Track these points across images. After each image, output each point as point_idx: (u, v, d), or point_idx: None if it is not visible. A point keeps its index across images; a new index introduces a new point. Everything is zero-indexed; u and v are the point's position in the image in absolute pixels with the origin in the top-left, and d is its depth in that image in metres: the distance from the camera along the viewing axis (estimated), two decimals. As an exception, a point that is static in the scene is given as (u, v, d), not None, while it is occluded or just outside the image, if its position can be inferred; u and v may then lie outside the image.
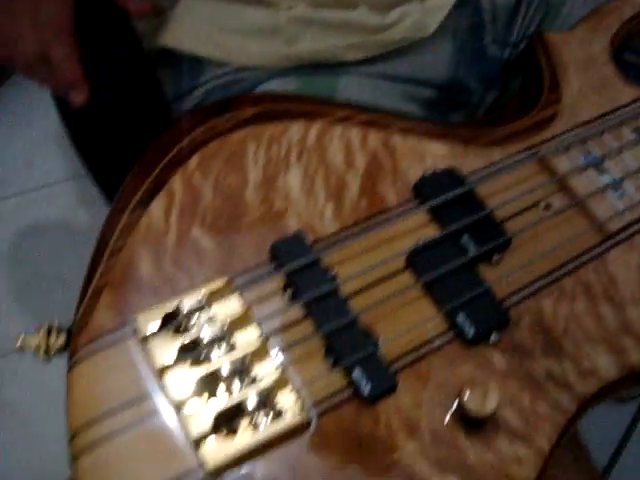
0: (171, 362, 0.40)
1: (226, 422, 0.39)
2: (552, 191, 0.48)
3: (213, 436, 0.38)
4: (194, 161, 0.47)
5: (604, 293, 0.45)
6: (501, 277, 0.45)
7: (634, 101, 0.53)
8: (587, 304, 0.44)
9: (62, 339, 0.43)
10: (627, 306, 0.45)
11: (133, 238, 0.44)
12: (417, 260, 0.44)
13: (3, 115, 1.23)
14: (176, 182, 0.46)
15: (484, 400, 0.38)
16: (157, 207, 0.45)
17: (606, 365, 0.42)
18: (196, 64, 0.58)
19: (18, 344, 0.43)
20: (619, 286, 0.45)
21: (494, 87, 0.63)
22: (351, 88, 0.57)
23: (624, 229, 0.47)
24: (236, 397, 0.39)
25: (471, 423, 0.40)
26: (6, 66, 0.53)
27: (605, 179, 0.48)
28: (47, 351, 0.43)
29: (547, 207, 0.48)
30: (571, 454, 0.46)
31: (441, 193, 0.46)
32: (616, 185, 0.48)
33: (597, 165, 0.49)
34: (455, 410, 0.40)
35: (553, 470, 0.43)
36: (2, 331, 1.06)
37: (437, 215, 0.46)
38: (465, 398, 0.39)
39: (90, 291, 0.43)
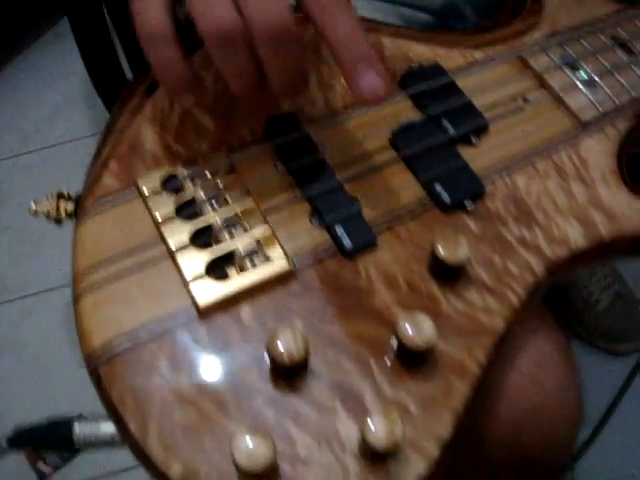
0: (169, 216, 0.44)
1: (218, 269, 0.42)
2: (530, 86, 0.52)
3: (205, 280, 0.42)
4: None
5: (575, 173, 0.48)
6: (479, 156, 0.48)
7: (612, 14, 0.56)
8: (559, 182, 0.47)
9: (72, 205, 0.46)
10: (597, 185, 0.48)
11: (140, 117, 0.48)
12: (399, 138, 0.48)
13: (28, 76, 1.29)
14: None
15: (455, 249, 0.42)
16: (163, 92, 0.49)
17: (575, 235, 0.45)
18: None
19: (32, 208, 0.47)
20: (590, 168, 0.48)
21: (487, 16, 0.66)
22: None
23: (597, 120, 0.50)
24: (227, 246, 0.43)
25: (445, 276, 0.43)
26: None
27: (581, 76, 0.51)
28: (58, 215, 0.47)
29: (524, 100, 0.51)
30: (540, 321, 0.48)
31: (424, 82, 0.50)
32: (590, 82, 0.51)
33: (573, 64, 0.52)
34: (430, 264, 0.43)
35: (522, 335, 0.46)
36: (20, 275, 1.12)
37: (420, 102, 0.49)
38: (438, 248, 0.42)
39: (99, 163, 0.47)
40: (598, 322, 1.07)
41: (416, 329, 0.39)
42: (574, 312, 1.09)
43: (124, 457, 0.99)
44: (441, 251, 0.42)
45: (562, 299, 1.10)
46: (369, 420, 0.36)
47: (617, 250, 0.47)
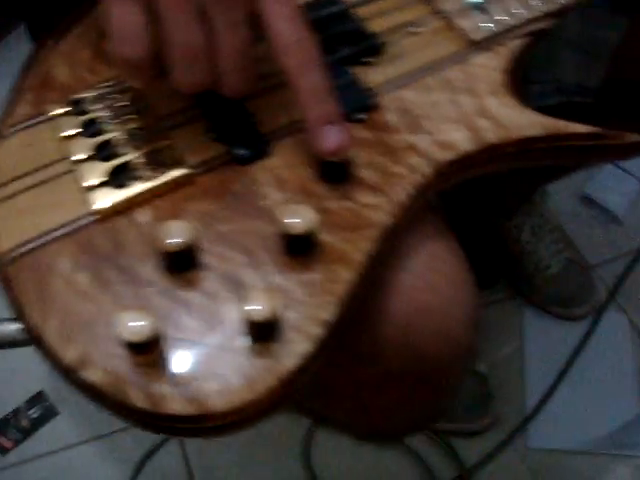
0: (73, 133, 0.46)
1: (121, 179, 0.45)
2: (424, 12, 0.54)
3: (104, 187, 0.44)
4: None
5: (464, 86, 0.50)
6: (372, 74, 0.50)
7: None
8: (448, 95, 0.50)
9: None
10: (485, 97, 0.50)
11: (55, 53, 0.51)
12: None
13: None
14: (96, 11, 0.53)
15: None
16: (79, 30, 0.52)
17: (462, 139, 0.48)
18: None
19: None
20: (478, 82, 0.51)
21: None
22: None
23: (488, 39, 0.53)
24: (127, 157, 0.45)
25: (334, 178, 0.45)
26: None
27: (472, 0, 0.54)
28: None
29: (418, 25, 0.54)
30: (433, 228, 0.50)
31: (320, 11, 0.52)
32: (483, 5, 0.54)
33: (467, -8, 0.55)
34: (317, 166, 0.45)
35: (414, 239, 0.48)
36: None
37: (316, 29, 0.52)
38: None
39: (15, 95, 0.49)
40: (549, 287, 1.09)
41: (298, 218, 0.41)
42: (525, 277, 1.11)
43: (84, 430, 1.01)
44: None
45: (513, 266, 1.12)
46: (250, 294, 0.38)
47: (504, 154, 0.49)
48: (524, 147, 0.49)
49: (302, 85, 0.42)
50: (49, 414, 1.05)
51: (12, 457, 1.02)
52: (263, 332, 0.39)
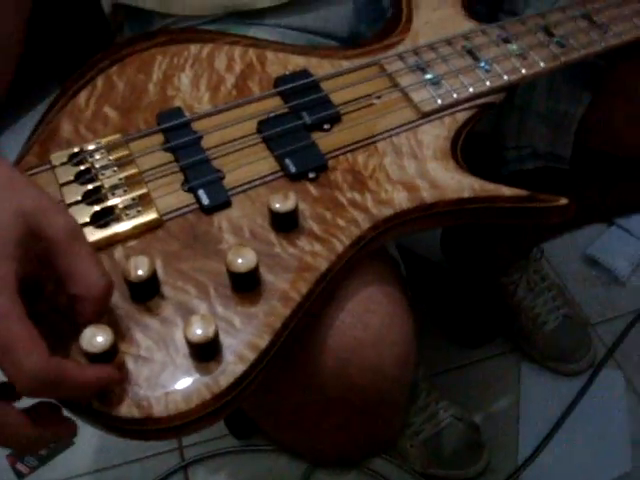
0: (68, 180, 0.55)
1: (101, 219, 0.53)
2: (383, 86, 0.62)
3: (89, 227, 0.52)
4: (115, 67, 0.63)
5: (410, 151, 0.58)
6: (328, 139, 0.58)
7: (470, 30, 0.66)
8: (394, 158, 0.57)
9: None
10: (427, 161, 0.57)
11: (62, 113, 0.60)
12: (263, 125, 0.58)
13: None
14: (99, 80, 0.62)
15: (285, 201, 0.52)
16: (83, 95, 0.61)
17: (400, 198, 0.55)
18: (147, 15, 0.75)
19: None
20: (423, 148, 0.58)
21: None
22: (260, 35, 0.72)
23: (436, 111, 0.60)
24: (110, 202, 0.54)
25: (282, 227, 0.53)
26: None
27: (428, 77, 0.62)
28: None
29: (377, 97, 0.61)
30: (375, 276, 0.57)
31: (292, 83, 0.61)
32: (436, 81, 0.61)
33: (423, 68, 0.62)
34: (269, 217, 0.53)
35: (354, 284, 0.55)
36: None
37: (287, 99, 0.60)
38: (271, 201, 0.52)
39: (26, 147, 0.58)
40: (546, 343, 1.13)
41: (240, 258, 0.48)
42: (523, 333, 1.15)
43: (97, 458, 1.08)
44: (273, 203, 0.51)
45: (511, 321, 1.17)
46: (190, 320, 0.46)
47: (441, 213, 0.56)
48: (457, 207, 0.56)
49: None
50: (65, 443, 1.13)
51: (27, 484, 1.10)
52: (202, 353, 0.46)
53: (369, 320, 0.54)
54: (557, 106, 0.77)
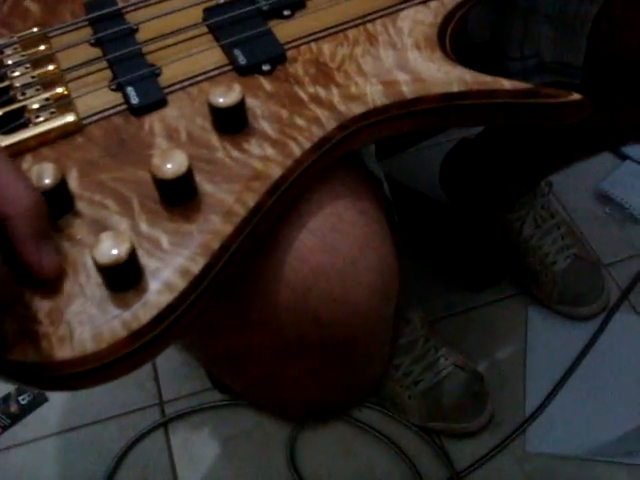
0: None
1: (9, 124, 0.43)
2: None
3: (-6, 133, 0.43)
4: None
5: (387, 40, 0.47)
6: (289, 27, 0.48)
7: None
8: (367, 48, 0.47)
9: None
10: (408, 50, 0.47)
11: None
12: (210, 13, 0.48)
13: None
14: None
15: (227, 94, 0.41)
16: None
17: (373, 93, 0.45)
18: None
19: None
20: (403, 35, 0.47)
21: None
22: None
23: (418, -8, 0.49)
24: (19, 103, 0.44)
25: (227, 128, 0.43)
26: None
27: (409, -45, 0.51)
28: None
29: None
30: (344, 189, 0.47)
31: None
32: (419, -40, 0.51)
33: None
34: (210, 116, 0.43)
35: (317, 198, 0.45)
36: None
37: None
38: (210, 95, 0.42)
39: None
40: (556, 283, 1.04)
41: (168, 163, 0.39)
42: (531, 274, 1.06)
43: (71, 418, 1.00)
44: (214, 97, 0.41)
45: (518, 261, 1.07)
46: (100, 237, 0.36)
47: (424, 111, 0.45)
48: (444, 104, 0.45)
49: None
50: (38, 401, 1.05)
51: (0, 442, 1.02)
52: (117, 279, 0.37)
53: (337, 241, 0.44)
54: (568, 6, 0.66)
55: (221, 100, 0.41)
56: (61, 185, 0.39)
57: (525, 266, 1.07)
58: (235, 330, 0.45)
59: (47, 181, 0.38)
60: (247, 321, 0.45)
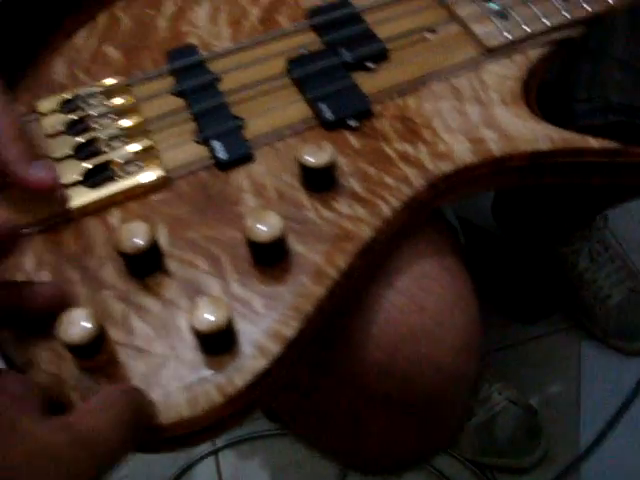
0: (57, 131, 0.45)
1: (94, 177, 0.44)
2: (439, 18, 0.51)
3: (80, 186, 0.43)
4: (120, 2, 0.53)
5: (472, 95, 0.47)
6: (373, 80, 0.47)
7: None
8: (453, 103, 0.46)
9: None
10: (494, 106, 0.46)
11: (55, 54, 0.51)
12: (294, 64, 0.48)
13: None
14: (101, 16, 0.53)
15: (318, 154, 0.41)
16: (82, 33, 0.52)
17: (461, 151, 0.44)
18: None
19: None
20: (489, 91, 0.47)
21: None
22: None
23: (504, 47, 0.49)
24: (106, 157, 0.44)
25: (316, 186, 0.43)
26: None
27: (492, 6, 0.50)
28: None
29: (432, 31, 0.50)
30: (430, 246, 0.46)
31: (328, 14, 0.50)
32: (502, 12, 0.50)
33: (486, -4, 0.51)
34: (299, 173, 0.43)
35: (406, 256, 0.44)
36: None
37: (322, 33, 0.50)
38: (301, 154, 0.41)
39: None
40: (610, 317, 1.02)
41: (262, 224, 0.39)
42: (584, 308, 1.04)
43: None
44: (304, 156, 0.41)
45: (572, 295, 1.06)
46: (198, 303, 0.36)
47: (512, 169, 0.45)
48: (531, 162, 0.45)
49: None
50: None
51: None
52: (213, 344, 0.37)
53: (425, 301, 0.44)
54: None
55: (313, 160, 0.41)
56: (153, 245, 0.39)
57: (579, 299, 1.05)
58: (323, 388, 0.45)
59: (140, 241, 0.38)
60: (335, 379, 0.44)
